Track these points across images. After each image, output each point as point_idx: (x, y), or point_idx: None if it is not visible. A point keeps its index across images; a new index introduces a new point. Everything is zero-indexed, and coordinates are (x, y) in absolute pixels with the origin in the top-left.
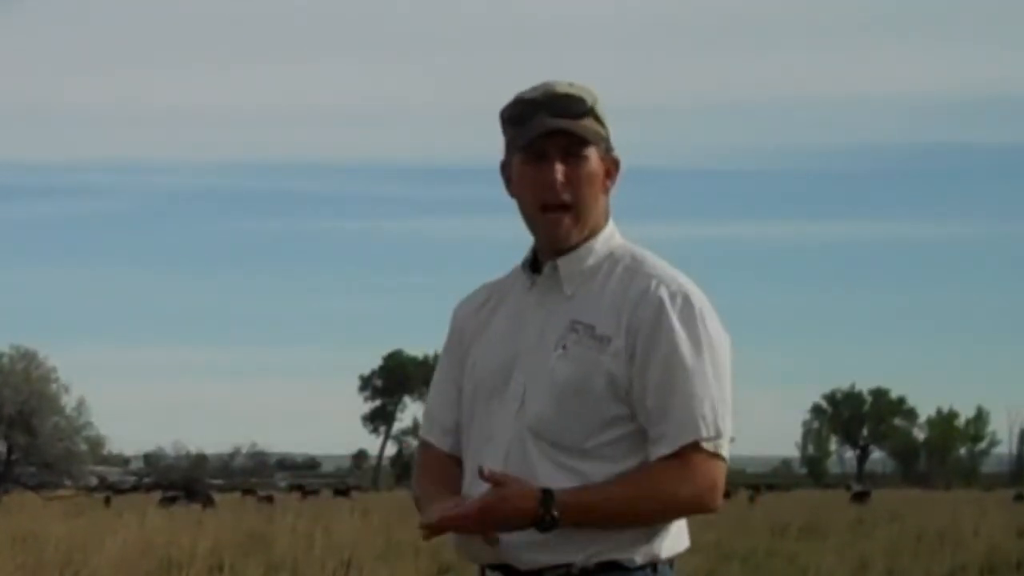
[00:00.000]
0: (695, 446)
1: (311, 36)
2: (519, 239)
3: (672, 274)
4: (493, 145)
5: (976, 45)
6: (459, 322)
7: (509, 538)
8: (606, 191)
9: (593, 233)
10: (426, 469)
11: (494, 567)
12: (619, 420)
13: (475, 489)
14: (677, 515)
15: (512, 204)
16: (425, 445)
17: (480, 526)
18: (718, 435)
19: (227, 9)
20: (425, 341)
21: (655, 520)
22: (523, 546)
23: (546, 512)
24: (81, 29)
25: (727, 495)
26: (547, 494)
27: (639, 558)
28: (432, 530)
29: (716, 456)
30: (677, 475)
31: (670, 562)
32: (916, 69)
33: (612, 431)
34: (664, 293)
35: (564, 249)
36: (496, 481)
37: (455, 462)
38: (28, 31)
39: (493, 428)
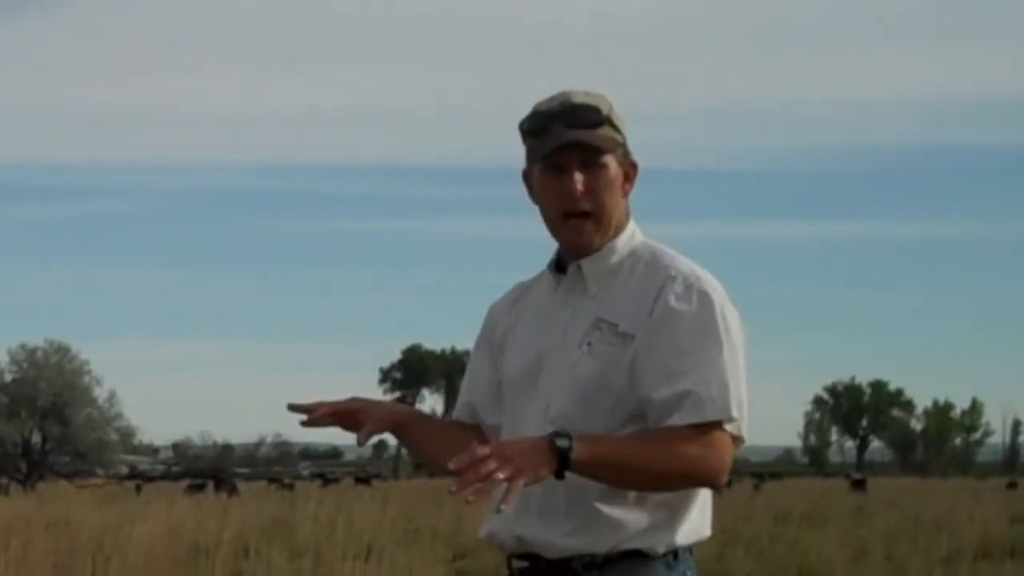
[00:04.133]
0: (719, 424)
1: (326, 44)
2: (535, 239)
3: (691, 268)
4: (506, 148)
5: (970, 52)
6: (493, 319)
7: (536, 529)
8: (625, 194)
9: (614, 235)
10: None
11: (521, 556)
12: (640, 416)
13: (495, 500)
14: (683, 482)
15: (526, 206)
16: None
17: (498, 460)
18: (739, 418)
19: (248, 19)
20: (442, 336)
21: (658, 483)
22: (550, 535)
23: (557, 444)
24: (112, 38)
25: (730, 484)
26: (558, 435)
27: (660, 547)
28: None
29: (734, 438)
30: (699, 444)
31: (689, 549)
32: (913, 75)
33: (633, 426)
34: (678, 284)
35: (587, 251)
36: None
37: (465, 426)
38: (64, 37)
39: (524, 426)
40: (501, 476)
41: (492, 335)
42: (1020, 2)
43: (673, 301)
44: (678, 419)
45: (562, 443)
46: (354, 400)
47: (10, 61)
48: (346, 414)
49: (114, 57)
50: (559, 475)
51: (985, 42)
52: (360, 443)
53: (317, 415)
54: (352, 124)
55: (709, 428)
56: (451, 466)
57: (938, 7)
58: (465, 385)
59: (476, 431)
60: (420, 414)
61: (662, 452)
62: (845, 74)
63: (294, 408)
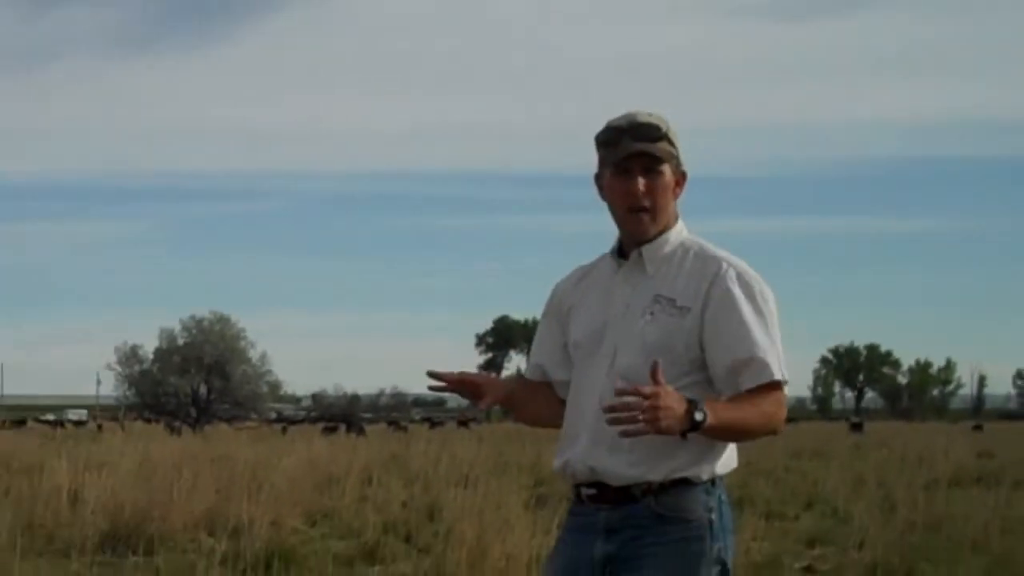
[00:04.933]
0: (778, 384)
1: (425, 76)
2: (592, 232)
3: (737, 260)
4: (569, 160)
5: (942, 84)
6: (559, 295)
7: (605, 461)
8: (676, 196)
9: (666, 228)
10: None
11: (590, 485)
12: (691, 371)
13: (567, 438)
14: (766, 432)
15: (585, 206)
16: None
17: (655, 398)
18: (786, 379)
19: (367, 55)
20: (526, 308)
21: (755, 435)
22: (616, 467)
23: (695, 410)
24: (263, 72)
25: None
26: (693, 401)
27: (703, 475)
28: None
29: (784, 394)
30: (772, 402)
31: (723, 478)
32: (896, 101)
33: (686, 379)
34: (732, 273)
35: (645, 240)
36: (657, 378)
37: (547, 386)
38: (226, 65)
39: (591, 379)
40: (641, 422)
41: (559, 308)
42: (980, 45)
43: (731, 286)
44: (747, 380)
45: (699, 416)
46: (477, 375)
47: (190, 86)
48: (470, 385)
49: (265, 86)
50: (683, 436)
51: (954, 76)
52: (481, 409)
53: (448, 383)
54: (446, 139)
55: (774, 388)
56: (610, 404)
57: (918, 47)
58: (535, 349)
59: (551, 388)
60: (523, 386)
61: (754, 412)
62: (841, 101)
63: (433, 375)
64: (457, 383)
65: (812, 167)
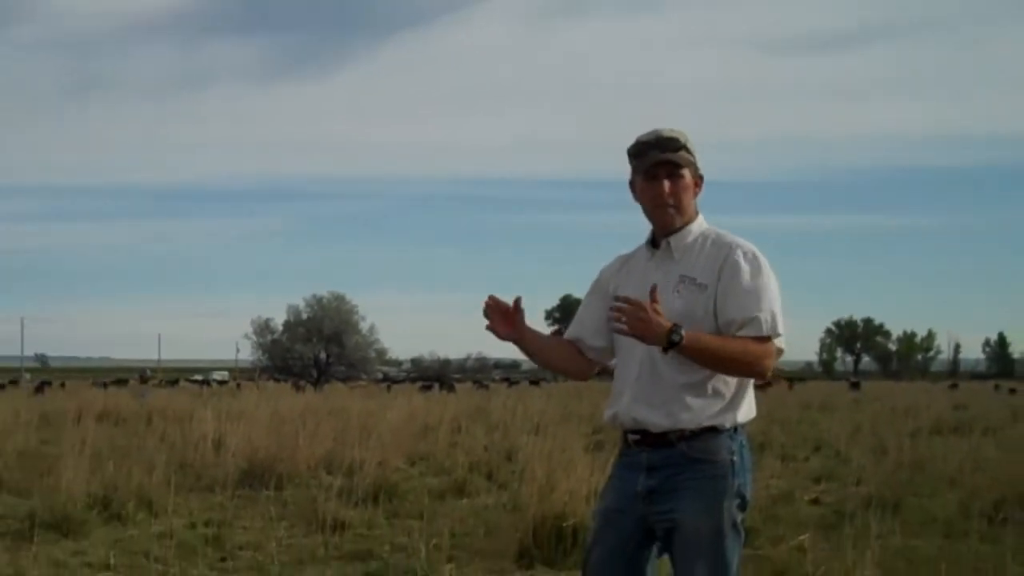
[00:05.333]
0: (768, 338)
1: (514, 97)
2: (631, 227)
3: (743, 240)
4: (620, 168)
5: (933, 106)
6: (604, 277)
7: (646, 413)
8: (695, 195)
9: (689, 221)
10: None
11: (634, 432)
12: (710, 332)
13: (614, 395)
14: (748, 371)
15: (625, 206)
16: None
17: (638, 308)
18: (780, 334)
19: (458, 79)
20: (585, 288)
21: (733, 368)
22: (655, 417)
23: (674, 330)
24: (392, 97)
25: (770, 384)
26: (676, 325)
27: (728, 423)
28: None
29: (778, 350)
30: (759, 347)
31: (744, 425)
32: (891, 120)
33: None
34: (740, 253)
35: (672, 231)
36: (656, 299)
37: (582, 355)
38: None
39: (633, 348)
40: (626, 328)
41: (604, 288)
42: (955, 77)
43: (738, 262)
44: (746, 332)
45: (675, 337)
46: (509, 306)
47: (313, 107)
48: (501, 313)
49: (373, 107)
50: (664, 351)
51: (935, 101)
52: (499, 338)
53: (492, 306)
54: (521, 151)
55: (764, 339)
56: (618, 301)
57: (904, 78)
58: (578, 316)
59: (576, 347)
60: (544, 338)
61: (734, 346)
62: (842, 118)
63: (517, 302)
64: (495, 308)
65: (817, 172)
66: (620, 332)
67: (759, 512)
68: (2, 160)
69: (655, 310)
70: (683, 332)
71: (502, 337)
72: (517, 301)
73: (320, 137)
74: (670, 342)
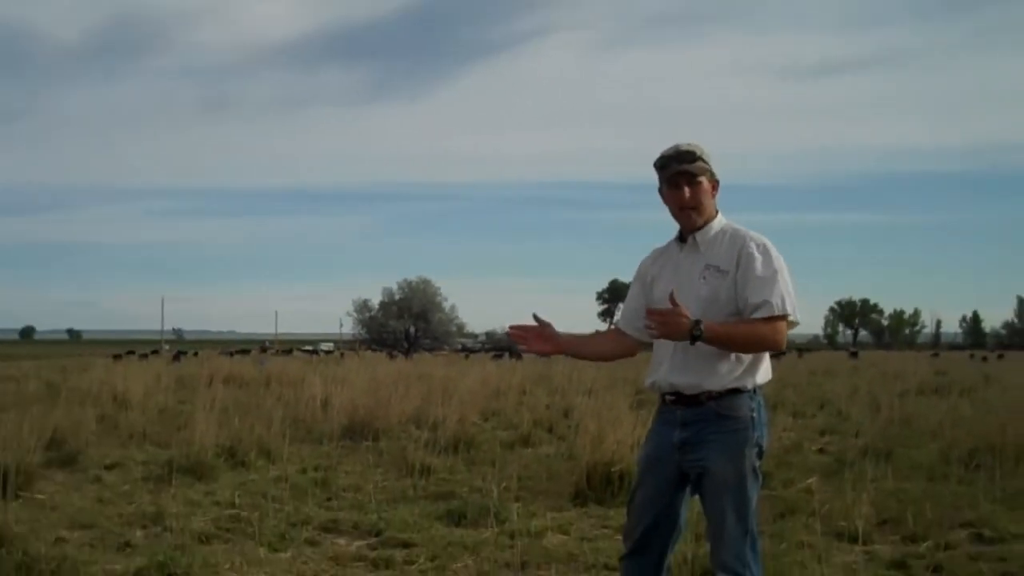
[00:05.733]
0: (782, 317)
1: (567, 114)
2: (669, 224)
3: (755, 234)
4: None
5: (920, 123)
6: (643, 268)
7: (682, 377)
8: (713, 196)
9: (710, 219)
10: (605, 332)
11: (671, 394)
12: (732, 313)
13: (654, 365)
14: (763, 347)
15: (665, 207)
16: (615, 326)
17: (664, 313)
18: (790, 313)
19: (530, 100)
20: (630, 274)
21: (753, 348)
22: (688, 380)
23: (695, 327)
24: (470, 112)
25: (784, 354)
26: (698, 321)
27: (748, 385)
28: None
29: (788, 323)
30: (771, 328)
31: (761, 387)
32: (882, 133)
33: (730, 318)
34: (753, 244)
35: (695, 229)
36: (675, 302)
37: (627, 338)
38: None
39: None
40: (656, 333)
41: (644, 277)
42: (932, 96)
43: (751, 251)
44: (761, 313)
45: (696, 332)
46: (542, 328)
47: (402, 124)
48: (537, 334)
49: (455, 123)
50: (692, 343)
51: (921, 120)
52: (542, 355)
53: (520, 334)
54: (578, 160)
55: (776, 319)
56: (649, 315)
57: (895, 100)
58: (626, 305)
59: (620, 333)
60: (579, 338)
61: (746, 329)
62: (843, 132)
63: (536, 318)
64: (525, 334)
65: (824, 178)
66: (654, 337)
67: (773, 459)
68: (147, 166)
69: (677, 313)
70: (703, 327)
71: (544, 354)
72: (535, 318)
73: (410, 148)
74: (693, 337)
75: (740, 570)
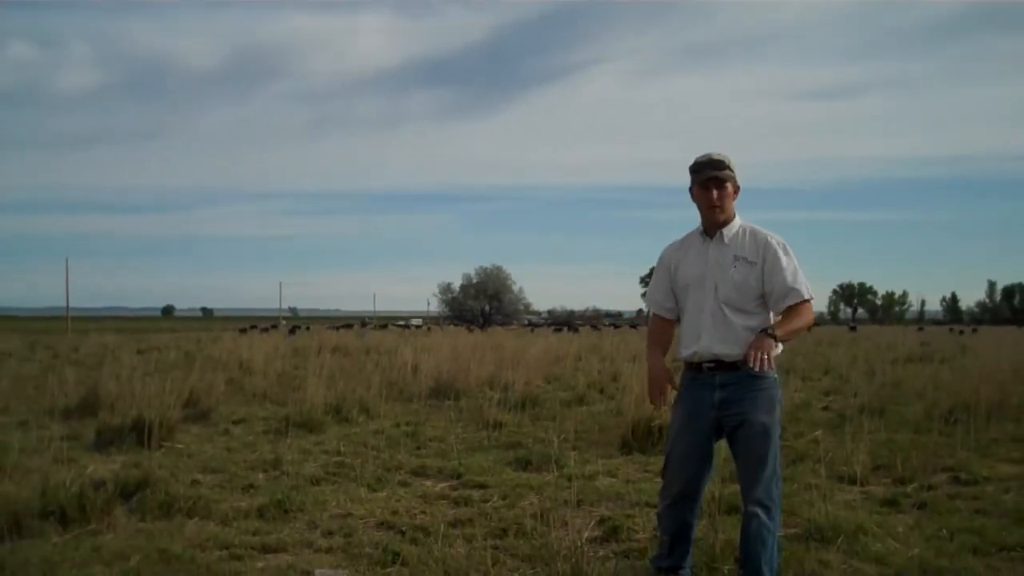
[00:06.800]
0: (807, 301)
1: (618, 129)
2: (691, 221)
3: (771, 233)
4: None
5: (913, 136)
6: (667, 256)
7: (721, 347)
8: (734, 199)
9: (731, 218)
10: (652, 330)
11: (710, 362)
12: (757, 297)
13: (690, 337)
14: (807, 328)
15: (692, 206)
16: (654, 315)
17: (757, 344)
18: (813, 296)
19: (582, 118)
20: None
21: (802, 331)
22: (727, 349)
23: (774, 338)
24: (536, 129)
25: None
26: (773, 334)
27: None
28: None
29: (811, 304)
30: (807, 311)
31: (778, 356)
32: (881, 145)
33: (758, 300)
34: (774, 241)
35: (720, 225)
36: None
37: (667, 324)
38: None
39: (702, 302)
40: (765, 359)
41: (669, 263)
42: (925, 114)
43: (774, 248)
44: (792, 300)
45: (778, 339)
46: (665, 386)
47: (479, 138)
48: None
49: (523, 137)
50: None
51: (911, 131)
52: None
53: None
54: (626, 167)
55: (806, 303)
56: (751, 354)
57: (894, 115)
58: (652, 288)
59: (663, 320)
60: (661, 354)
61: (799, 321)
62: (846, 144)
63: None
64: (663, 395)
65: (829, 183)
66: (760, 368)
67: (785, 415)
68: (266, 175)
69: (761, 339)
70: (779, 335)
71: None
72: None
73: (484, 158)
74: (776, 341)
75: (769, 504)
